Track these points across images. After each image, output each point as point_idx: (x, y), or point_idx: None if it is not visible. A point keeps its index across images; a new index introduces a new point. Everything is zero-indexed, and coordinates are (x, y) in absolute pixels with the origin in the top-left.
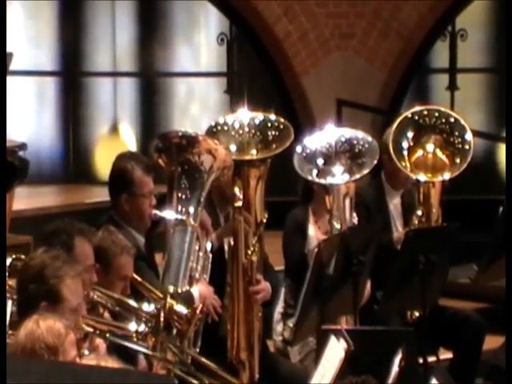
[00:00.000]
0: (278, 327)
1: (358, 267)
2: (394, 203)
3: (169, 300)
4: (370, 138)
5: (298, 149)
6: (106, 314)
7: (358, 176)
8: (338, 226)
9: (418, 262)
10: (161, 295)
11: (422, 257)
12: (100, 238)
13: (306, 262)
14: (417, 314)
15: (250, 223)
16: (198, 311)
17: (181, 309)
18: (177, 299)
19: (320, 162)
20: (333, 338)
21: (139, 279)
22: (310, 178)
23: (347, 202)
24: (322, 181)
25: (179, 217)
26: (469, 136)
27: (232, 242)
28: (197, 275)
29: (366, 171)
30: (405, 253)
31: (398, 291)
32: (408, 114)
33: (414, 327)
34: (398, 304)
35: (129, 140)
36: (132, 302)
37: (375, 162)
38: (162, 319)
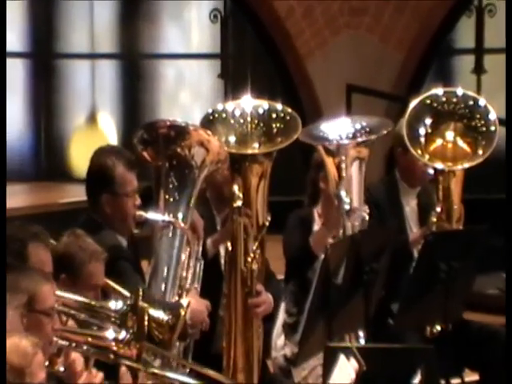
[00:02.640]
0: (279, 341)
1: (370, 276)
2: (410, 204)
3: (141, 298)
4: (377, 118)
5: (315, 126)
6: (71, 323)
7: (372, 137)
8: (347, 200)
9: (439, 269)
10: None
11: (444, 264)
12: (65, 243)
13: (311, 257)
14: (438, 329)
15: (250, 226)
16: (181, 317)
17: (159, 314)
18: (157, 306)
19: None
20: (342, 357)
21: (112, 284)
22: (313, 142)
23: (355, 167)
24: (326, 142)
25: (167, 218)
26: (492, 116)
27: (230, 248)
28: (187, 285)
29: (376, 136)
30: (424, 259)
31: (416, 303)
32: (423, 98)
33: (435, 344)
34: (417, 318)
35: (109, 131)
36: (97, 303)
37: (385, 131)
38: (145, 323)
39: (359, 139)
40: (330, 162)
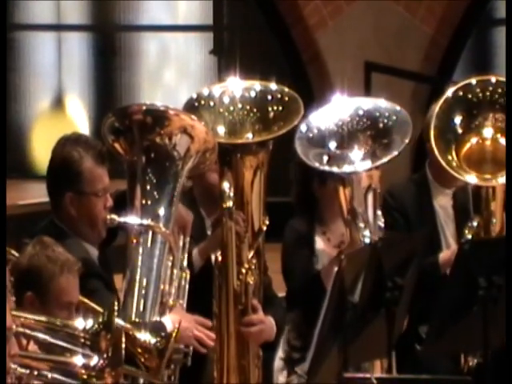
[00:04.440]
0: (281, 377)
1: (393, 293)
2: (444, 206)
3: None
4: (397, 107)
5: (302, 128)
6: (33, 347)
7: (384, 160)
8: (366, 233)
9: (477, 285)
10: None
11: (483, 279)
12: (30, 254)
13: (317, 284)
14: (475, 358)
15: (244, 231)
16: (171, 340)
17: (146, 337)
18: (140, 327)
19: (332, 145)
20: None
21: (87, 301)
22: (317, 165)
23: (370, 197)
24: (335, 169)
25: (145, 222)
26: None
27: (220, 258)
28: (170, 301)
29: (394, 153)
30: (459, 273)
31: (449, 326)
32: (451, 91)
33: (472, 376)
34: (450, 344)
35: (78, 118)
36: (61, 322)
37: (407, 140)
38: (122, 345)
39: (374, 163)
40: (340, 189)
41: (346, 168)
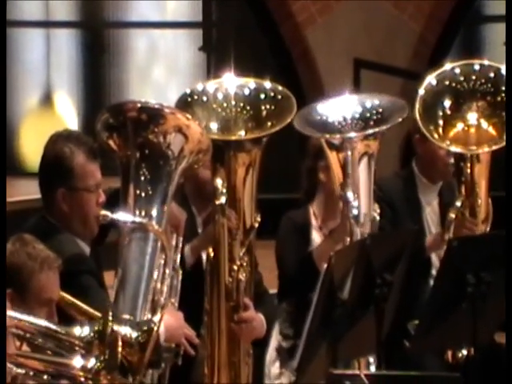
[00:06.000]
0: (273, 369)
1: (382, 289)
2: (431, 202)
3: (110, 319)
4: (389, 98)
5: (304, 112)
6: (25, 348)
7: (383, 127)
8: (355, 203)
9: (465, 282)
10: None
11: (472, 276)
12: (10, 251)
13: (310, 265)
14: (464, 353)
15: (236, 227)
16: (153, 334)
17: (127, 331)
18: (123, 322)
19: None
20: None
21: (72, 299)
22: (312, 134)
23: (364, 164)
24: (327, 135)
25: (137, 219)
26: None
27: (212, 255)
28: (162, 299)
29: (388, 125)
30: (447, 270)
31: (437, 323)
32: (436, 75)
33: (461, 372)
34: (438, 340)
35: (67, 115)
36: (56, 327)
37: (400, 119)
38: (118, 349)
39: (369, 130)
40: (333, 158)
41: (339, 130)
